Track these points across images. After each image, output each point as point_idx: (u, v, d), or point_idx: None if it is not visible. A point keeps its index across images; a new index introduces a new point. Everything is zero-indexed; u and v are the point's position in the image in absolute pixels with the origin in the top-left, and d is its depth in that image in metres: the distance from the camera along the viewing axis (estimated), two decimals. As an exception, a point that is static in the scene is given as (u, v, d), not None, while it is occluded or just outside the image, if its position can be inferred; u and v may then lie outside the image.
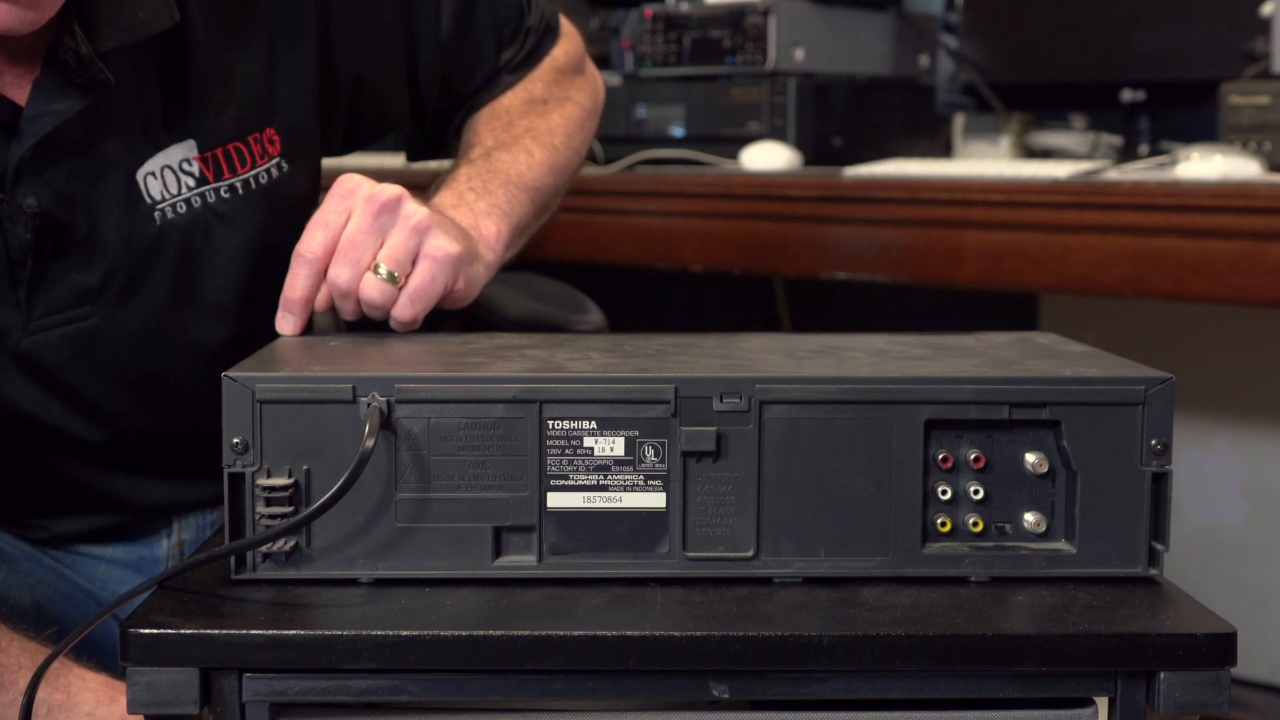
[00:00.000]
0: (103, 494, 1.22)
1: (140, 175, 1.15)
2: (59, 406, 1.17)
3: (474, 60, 1.36)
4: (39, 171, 1.10)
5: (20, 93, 1.10)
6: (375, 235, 1.08)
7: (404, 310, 1.09)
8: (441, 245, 1.09)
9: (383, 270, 1.07)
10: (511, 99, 1.38)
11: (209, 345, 1.20)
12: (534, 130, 1.34)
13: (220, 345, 1.20)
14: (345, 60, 1.28)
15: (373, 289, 1.07)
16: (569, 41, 1.45)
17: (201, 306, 1.20)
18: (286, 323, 1.10)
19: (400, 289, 1.08)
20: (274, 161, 1.21)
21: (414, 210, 1.09)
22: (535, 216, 1.32)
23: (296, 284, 1.09)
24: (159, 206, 1.16)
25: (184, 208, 1.17)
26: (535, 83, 1.39)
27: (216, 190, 1.18)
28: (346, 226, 1.08)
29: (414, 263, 1.09)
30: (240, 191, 1.19)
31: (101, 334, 1.16)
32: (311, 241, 1.09)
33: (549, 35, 1.42)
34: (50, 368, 1.15)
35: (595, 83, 1.49)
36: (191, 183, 1.17)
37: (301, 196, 1.25)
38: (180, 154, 1.16)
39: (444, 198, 1.22)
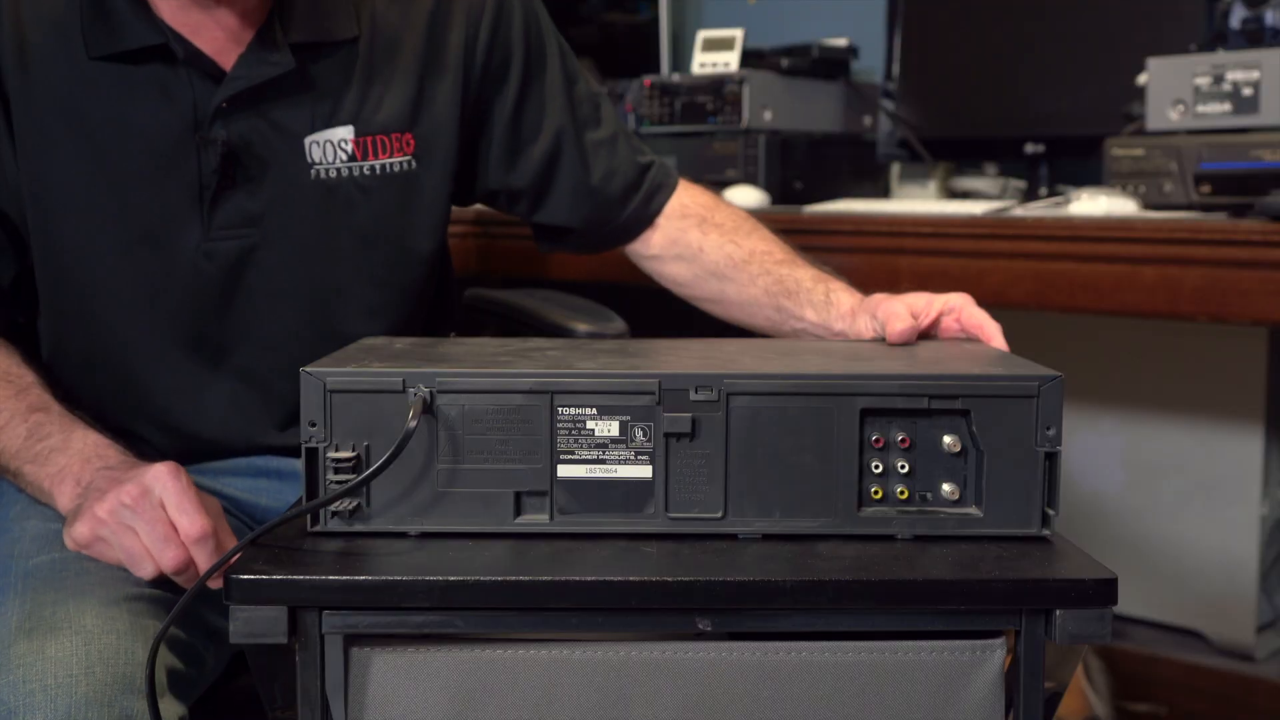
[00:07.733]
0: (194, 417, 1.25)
1: (307, 141, 1.21)
2: (221, 318, 1.22)
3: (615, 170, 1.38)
4: (231, 118, 1.18)
5: (227, 60, 1.18)
6: None
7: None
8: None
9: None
10: (681, 200, 1.41)
11: (332, 285, 1.25)
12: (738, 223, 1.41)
13: (336, 290, 1.25)
14: (483, 105, 1.32)
15: None
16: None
17: (332, 254, 1.24)
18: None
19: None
20: (406, 159, 1.26)
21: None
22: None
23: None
24: (315, 166, 1.22)
25: (335, 174, 1.23)
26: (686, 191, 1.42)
27: (361, 167, 1.24)
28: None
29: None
30: (379, 172, 1.25)
31: (261, 248, 1.21)
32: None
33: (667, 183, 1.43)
34: (217, 272, 1.20)
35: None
36: (345, 156, 1.23)
37: (427, 193, 1.28)
38: (341, 134, 1.23)
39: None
